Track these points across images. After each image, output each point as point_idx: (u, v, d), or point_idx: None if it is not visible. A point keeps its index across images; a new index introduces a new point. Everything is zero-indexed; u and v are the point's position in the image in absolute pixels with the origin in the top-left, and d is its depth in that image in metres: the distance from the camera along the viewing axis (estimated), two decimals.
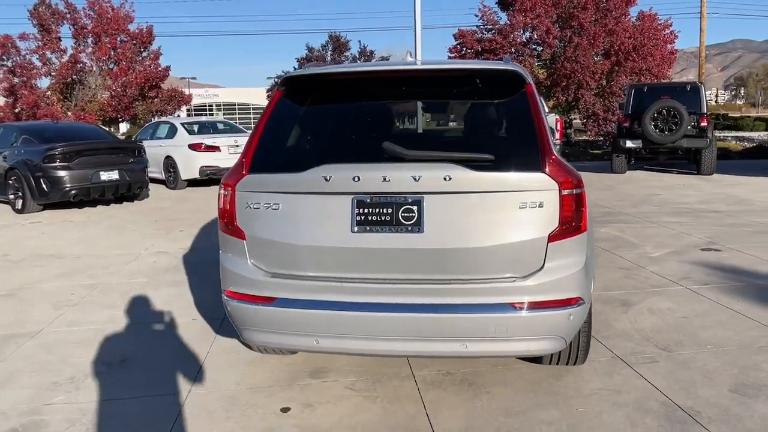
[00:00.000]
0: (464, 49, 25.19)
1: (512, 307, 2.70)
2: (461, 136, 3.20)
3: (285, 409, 3.12)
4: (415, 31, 15.66)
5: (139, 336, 4.26)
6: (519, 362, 3.57)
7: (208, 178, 12.97)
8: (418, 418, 3.01)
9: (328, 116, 3.26)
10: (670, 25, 23.22)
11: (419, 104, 3.62)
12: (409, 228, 2.72)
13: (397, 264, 2.75)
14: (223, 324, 4.39)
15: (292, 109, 3.11)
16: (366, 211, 2.74)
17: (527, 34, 24.09)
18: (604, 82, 22.49)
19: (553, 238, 2.72)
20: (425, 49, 15.74)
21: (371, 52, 39.92)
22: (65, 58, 25.34)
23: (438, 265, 2.73)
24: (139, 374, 3.60)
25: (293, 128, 3.16)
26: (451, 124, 3.25)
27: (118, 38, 26.22)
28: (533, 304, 2.71)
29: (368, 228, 2.75)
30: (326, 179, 2.73)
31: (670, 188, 11.15)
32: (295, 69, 41.97)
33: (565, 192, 2.72)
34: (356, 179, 2.71)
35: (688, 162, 13.47)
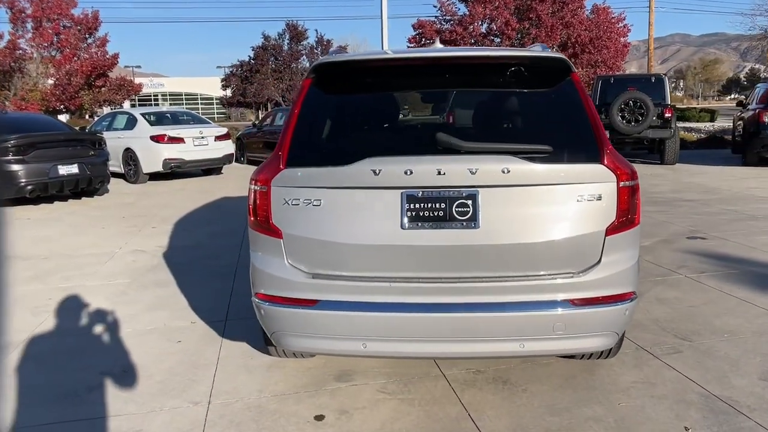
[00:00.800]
0: (423, 39, 25.18)
1: (571, 303, 2.61)
2: (512, 127, 3.06)
3: (319, 417, 2.94)
4: (381, 19, 15.47)
5: (135, 343, 3.94)
6: (548, 357, 3.49)
7: (171, 171, 12.45)
8: (462, 420, 2.89)
9: (366, 105, 3.06)
10: (624, 19, 23.91)
11: (462, 93, 3.45)
12: (464, 223, 2.58)
13: (451, 261, 2.61)
14: (227, 327, 4.15)
15: (325, 99, 2.89)
16: (417, 206, 2.58)
17: (486, 25, 24.31)
18: None
19: (610, 231, 2.65)
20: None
21: (328, 42, 39.36)
22: (2, 44, 23.88)
23: (494, 261, 2.60)
24: (146, 385, 3.33)
25: (328, 118, 2.95)
26: (498, 113, 3.10)
27: (61, 23, 24.88)
28: (592, 300, 2.63)
29: (419, 224, 2.59)
30: (375, 173, 2.55)
31: (639, 178, 11.39)
32: (250, 58, 41.12)
33: (622, 184, 2.65)
34: (408, 173, 2.54)
35: (650, 152, 13.83)
